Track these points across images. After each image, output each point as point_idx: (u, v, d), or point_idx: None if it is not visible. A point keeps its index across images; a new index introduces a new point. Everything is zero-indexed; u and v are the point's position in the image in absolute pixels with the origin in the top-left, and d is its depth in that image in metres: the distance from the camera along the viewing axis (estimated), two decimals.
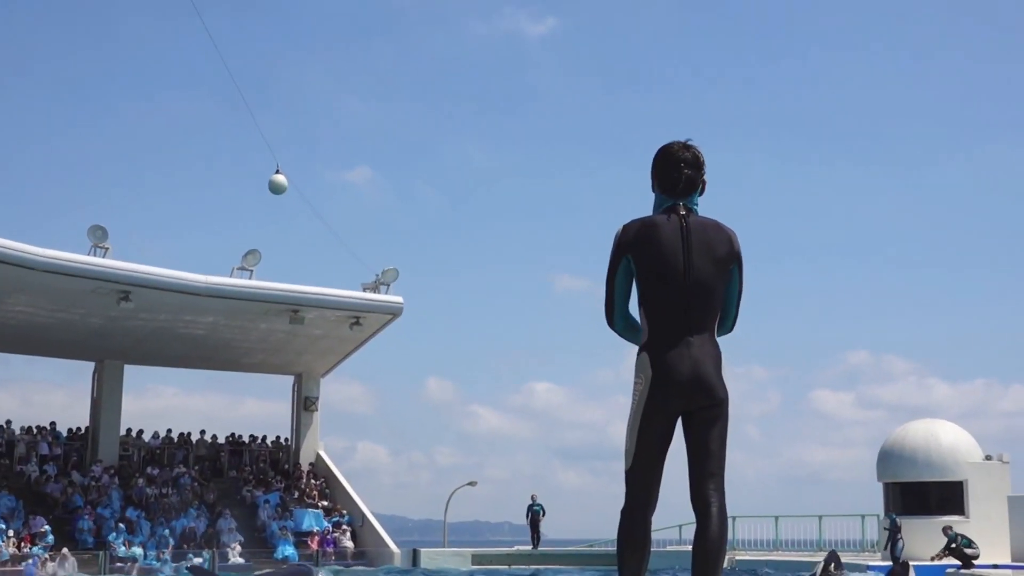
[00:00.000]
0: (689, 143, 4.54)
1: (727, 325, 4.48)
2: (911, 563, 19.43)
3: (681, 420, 4.36)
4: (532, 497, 34.36)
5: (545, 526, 34.90)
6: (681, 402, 4.29)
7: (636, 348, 4.46)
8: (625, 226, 4.42)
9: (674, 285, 4.30)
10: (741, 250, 4.44)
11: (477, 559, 31.56)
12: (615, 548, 4.41)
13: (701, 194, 4.54)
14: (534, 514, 33.90)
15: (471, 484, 41.61)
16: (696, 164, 4.50)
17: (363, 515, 33.43)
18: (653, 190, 4.57)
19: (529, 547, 33.98)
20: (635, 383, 4.33)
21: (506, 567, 29.84)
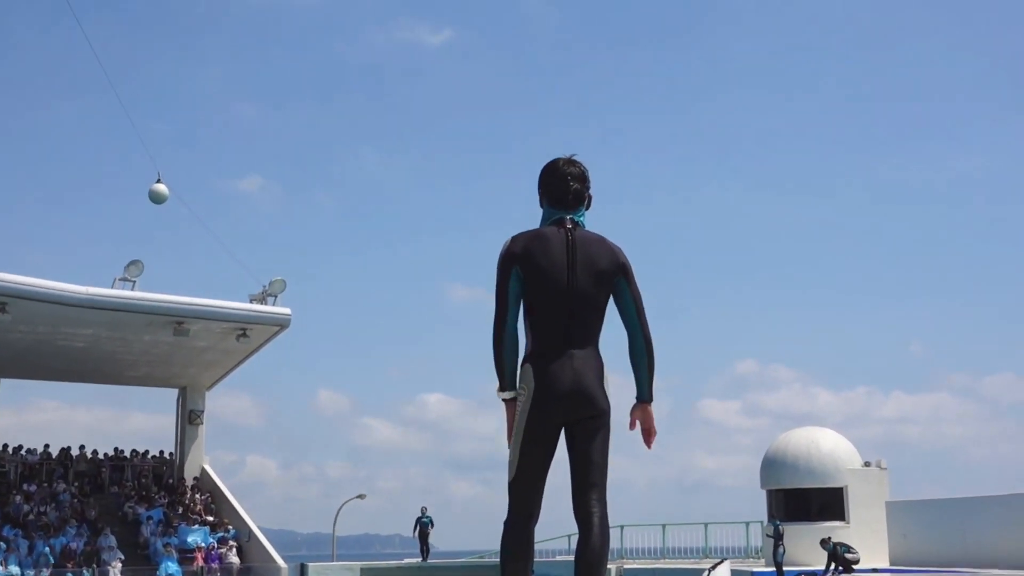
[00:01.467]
0: (574, 158, 4.64)
1: (638, 334, 4.50)
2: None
3: (564, 432, 4.41)
4: (422, 510, 34.28)
5: (436, 538, 34.87)
6: (563, 413, 4.34)
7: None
8: (514, 237, 4.47)
9: (558, 298, 4.36)
10: (628, 263, 4.52)
11: (366, 573, 31.34)
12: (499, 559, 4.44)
13: (588, 208, 4.63)
14: (423, 526, 33.82)
15: (360, 497, 41.36)
16: (582, 178, 4.59)
17: (249, 530, 32.88)
18: (541, 205, 4.64)
19: (419, 560, 33.86)
20: (518, 394, 4.37)
21: None
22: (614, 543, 32.94)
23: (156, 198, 23.29)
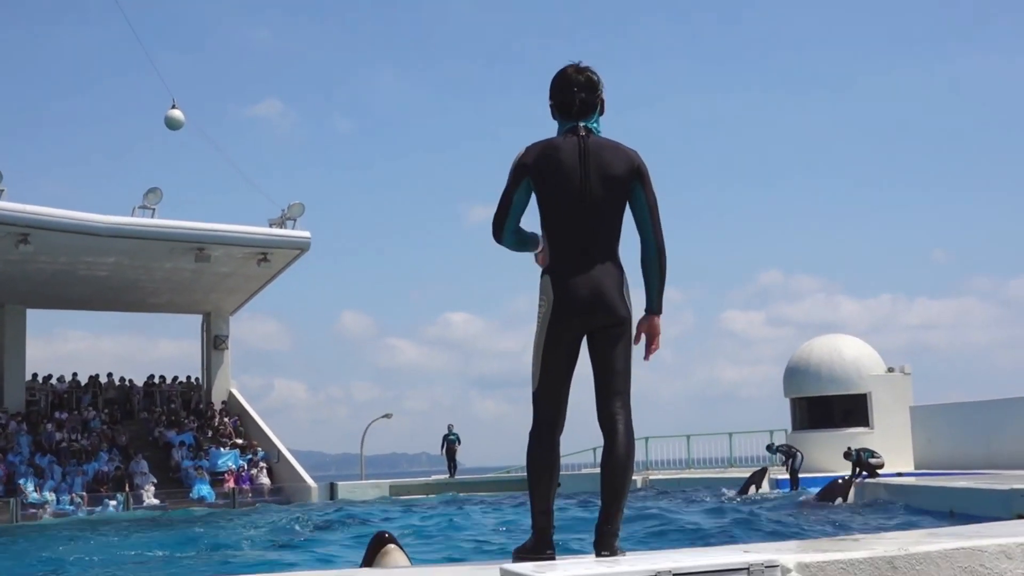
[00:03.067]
0: (582, 65, 4.57)
1: (651, 241, 4.47)
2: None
3: (587, 341, 4.41)
4: (448, 427, 34.65)
5: (462, 455, 35.25)
6: (583, 322, 4.34)
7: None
8: (527, 148, 4.43)
9: (573, 207, 4.34)
10: (644, 167, 4.47)
11: (395, 490, 31.76)
12: (530, 487, 4.45)
13: (601, 114, 4.56)
14: (450, 444, 34.21)
15: (386, 416, 41.76)
16: (590, 86, 4.53)
17: (279, 452, 33.33)
18: (553, 116, 4.60)
19: (446, 476, 34.30)
20: (539, 306, 4.37)
21: (423, 496, 30.07)
22: (640, 455, 33.19)
23: (172, 124, 23.19)
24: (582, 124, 4.47)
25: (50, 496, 27.62)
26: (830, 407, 27.75)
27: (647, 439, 33.47)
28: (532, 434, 4.42)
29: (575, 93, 4.50)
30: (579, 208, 4.34)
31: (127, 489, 29.03)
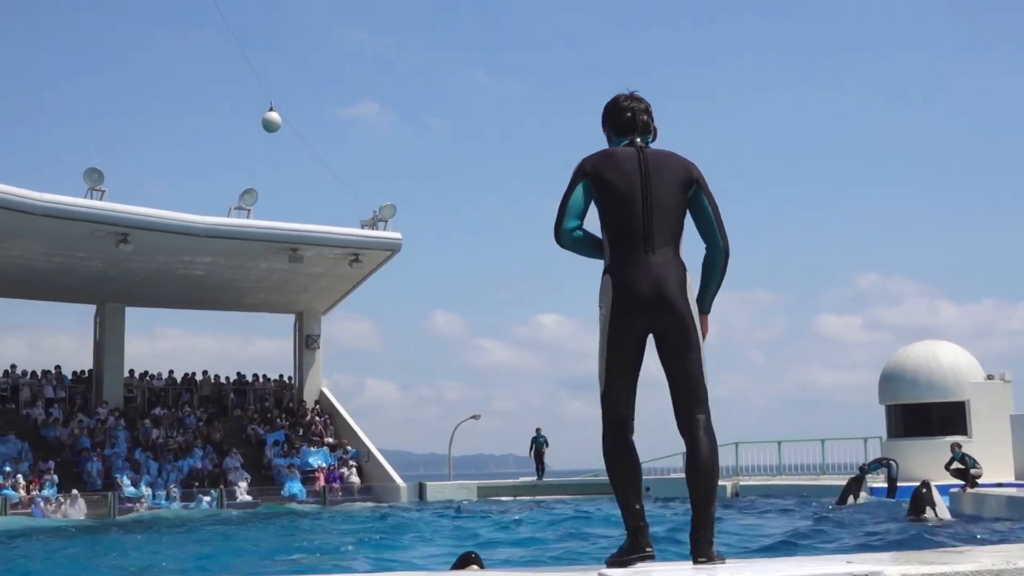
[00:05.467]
0: (635, 93, 4.72)
1: (718, 244, 4.51)
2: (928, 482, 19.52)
3: (655, 343, 4.41)
4: (536, 429, 34.64)
5: (550, 457, 35.19)
6: (646, 322, 4.34)
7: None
8: (585, 157, 4.53)
9: (633, 208, 4.39)
10: (702, 175, 4.56)
11: (483, 491, 31.82)
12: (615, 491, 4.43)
13: (654, 140, 4.66)
14: (538, 445, 34.19)
15: (475, 418, 41.86)
16: (647, 110, 4.68)
17: (368, 450, 33.66)
18: (610, 142, 4.71)
19: (534, 478, 34.26)
20: (600, 306, 4.40)
21: (511, 498, 30.08)
22: (729, 460, 32.82)
23: (269, 126, 23.56)
24: (639, 139, 4.58)
25: (146, 491, 28.24)
26: (927, 415, 27.13)
27: (737, 444, 33.07)
28: (606, 436, 4.41)
29: (637, 113, 4.64)
30: (639, 209, 4.38)
31: (221, 486, 29.57)
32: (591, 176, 4.43)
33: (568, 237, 4.48)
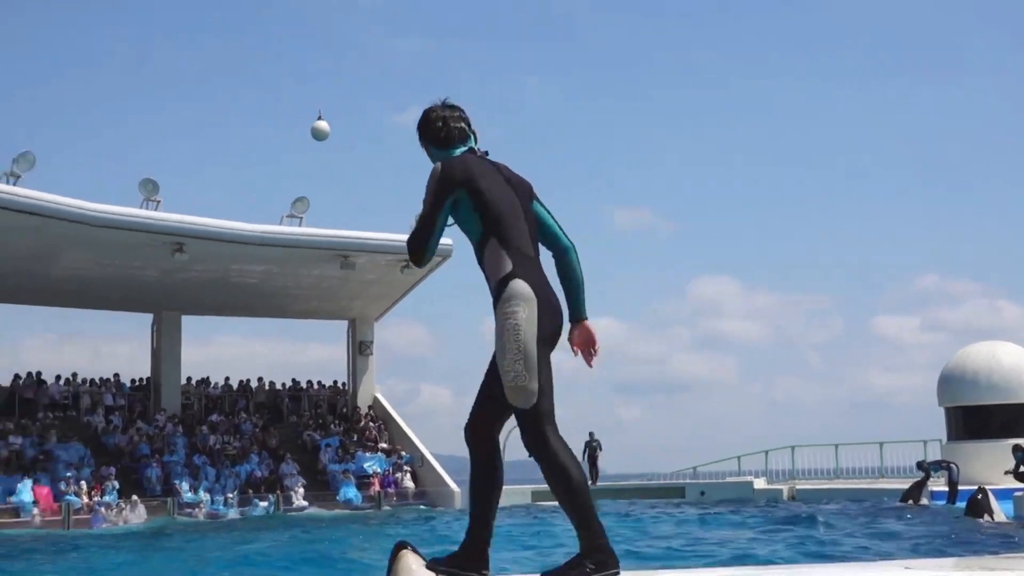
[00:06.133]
0: (448, 102, 4.57)
1: (566, 243, 4.41)
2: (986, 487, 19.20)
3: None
4: (589, 434, 34.69)
5: (603, 461, 35.10)
6: (556, 327, 4.22)
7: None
8: (444, 164, 4.31)
9: (517, 215, 4.27)
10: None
11: (536, 496, 31.78)
12: (584, 495, 4.28)
13: (476, 143, 4.53)
14: (592, 450, 34.17)
15: None
16: (466, 116, 4.56)
17: (422, 456, 33.76)
18: (433, 149, 4.52)
19: (588, 483, 34.20)
20: (513, 312, 4.09)
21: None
22: (785, 464, 32.49)
23: (318, 135, 23.67)
24: (474, 146, 4.47)
25: (204, 496, 28.56)
26: (988, 417, 26.67)
27: (793, 448, 32.76)
28: (549, 433, 4.16)
29: (458, 119, 4.51)
30: (521, 217, 4.28)
31: (278, 491, 29.81)
32: (466, 187, 4.22)
33: (430, 256, 4.36)
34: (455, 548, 4.25)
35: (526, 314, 4.08)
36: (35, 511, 25.50)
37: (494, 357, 4.19)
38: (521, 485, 34.45)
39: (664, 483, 34.68)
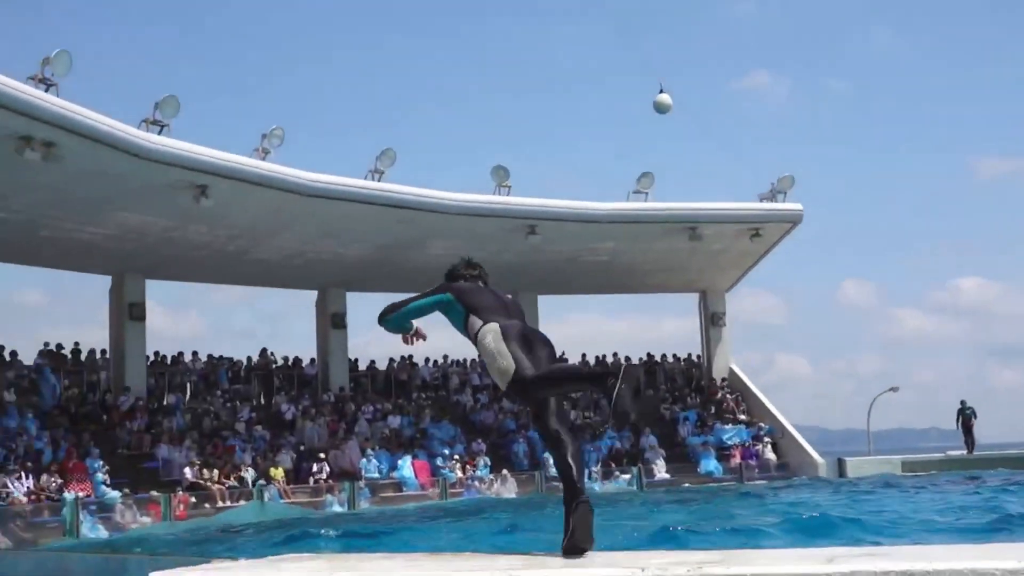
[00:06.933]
0: (472, 261, 6.54)
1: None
2: None
3: None
4: (961, 401, 33.06)
5: (976, 430, 33.16)
6: (523, 330, 5.76)
7: None
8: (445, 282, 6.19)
9: (498, 310, 5.85)
10: None
11: (907, 466, 30.45)
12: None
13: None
14: (966, 418, 32.46)
15: (893, 390, 40.08)
16: (484, 271, 6.46)
17: (783, 427, 33.17)
18: (455, 283, 6.21)
19: (963, 452, 32.44)
20: (483, 339, 5.59)
21: (939, 473, 28.52)
22: None
23: (660, 108, 23.73)
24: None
25: None
26: None
27: None
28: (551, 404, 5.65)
29: (482, 272, 6.45)
30: (500, 310, 5.87)
31: (639, 464, 30.24)
32: (450, 291, 6.00)
33: (394, 326, 6.13)
34: None
35: (492, 336, 5.54)
36: (416, 485, 27.28)
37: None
38: (890, 456, 33.15)
39: None
